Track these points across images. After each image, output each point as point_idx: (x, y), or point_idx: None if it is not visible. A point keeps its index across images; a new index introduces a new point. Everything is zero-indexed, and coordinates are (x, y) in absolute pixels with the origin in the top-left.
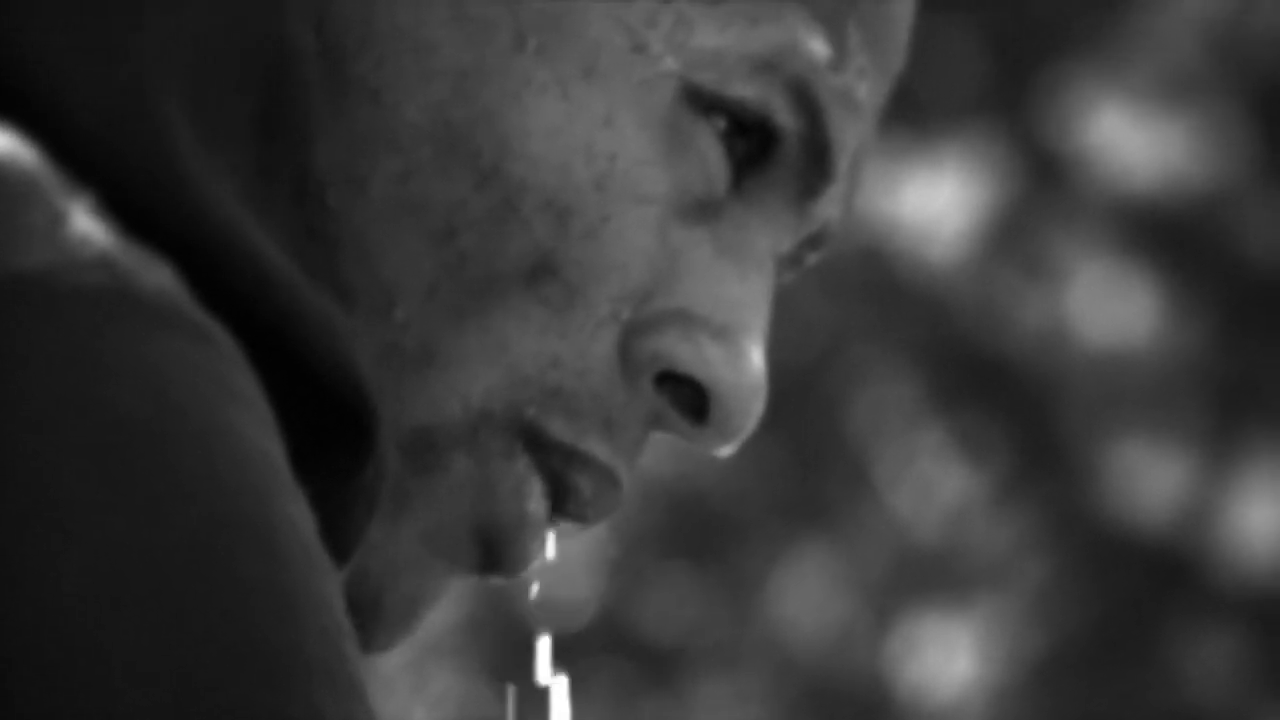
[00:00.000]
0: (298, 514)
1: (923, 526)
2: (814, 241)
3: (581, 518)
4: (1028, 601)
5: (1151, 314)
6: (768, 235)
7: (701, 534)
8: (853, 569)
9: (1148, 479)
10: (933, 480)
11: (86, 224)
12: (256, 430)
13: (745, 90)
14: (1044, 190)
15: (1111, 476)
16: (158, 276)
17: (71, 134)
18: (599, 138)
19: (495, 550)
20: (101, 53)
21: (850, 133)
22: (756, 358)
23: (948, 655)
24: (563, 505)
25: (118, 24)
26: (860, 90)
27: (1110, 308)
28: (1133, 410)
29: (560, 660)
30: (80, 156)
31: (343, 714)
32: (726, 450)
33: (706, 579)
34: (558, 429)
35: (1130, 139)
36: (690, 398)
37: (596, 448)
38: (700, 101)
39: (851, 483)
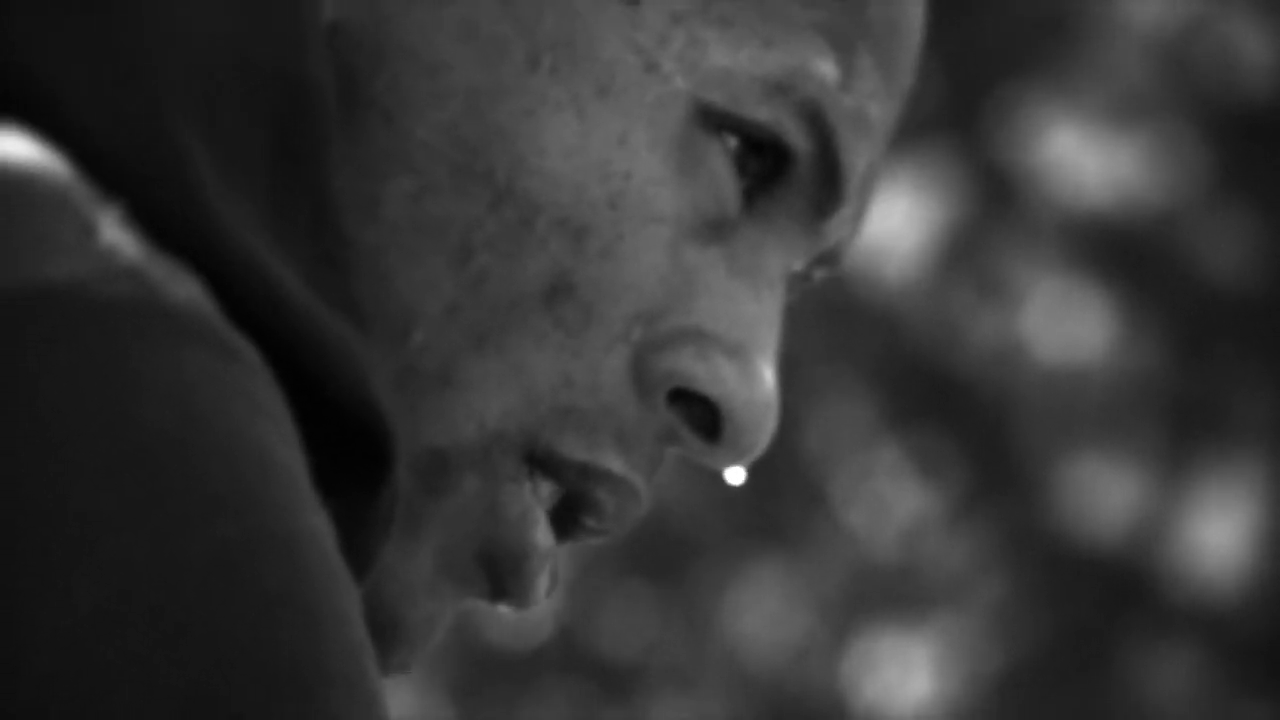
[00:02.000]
0: (321, 529)
1: (879, 544)
2: (825, 260)
3: (604, 532)
4: (984, 618)
5: (1105, 332)
6: (780, 255)
7: (658, 552)
8: (809, 586)
9: (1103, 495)
10: (888, 498)
11: (116, 235)
12: (281, 445)
13: (758, 112)
14: (998, 209)
15: (1067, 493)
16: (186, 289)
17: (90, 153)
18: (614, 156)
19: (501, 577)
20: (119, 74)
21: (861, 154)
22: (769, 376)
23: (904, 672)
24: (583, 522)
25: (136, 46)
26: (871, 111)
27: (1064, 326)
28: (1087, 427)
29: (519, 678)
30: (99, 176)
31: None
32: (738, 468)
33: (663, 597)
34: (570, 446)
35: (1083, 158)
36: (703, 416)
37: (612, 462)
38: (712, 121)
39: (808, 501)
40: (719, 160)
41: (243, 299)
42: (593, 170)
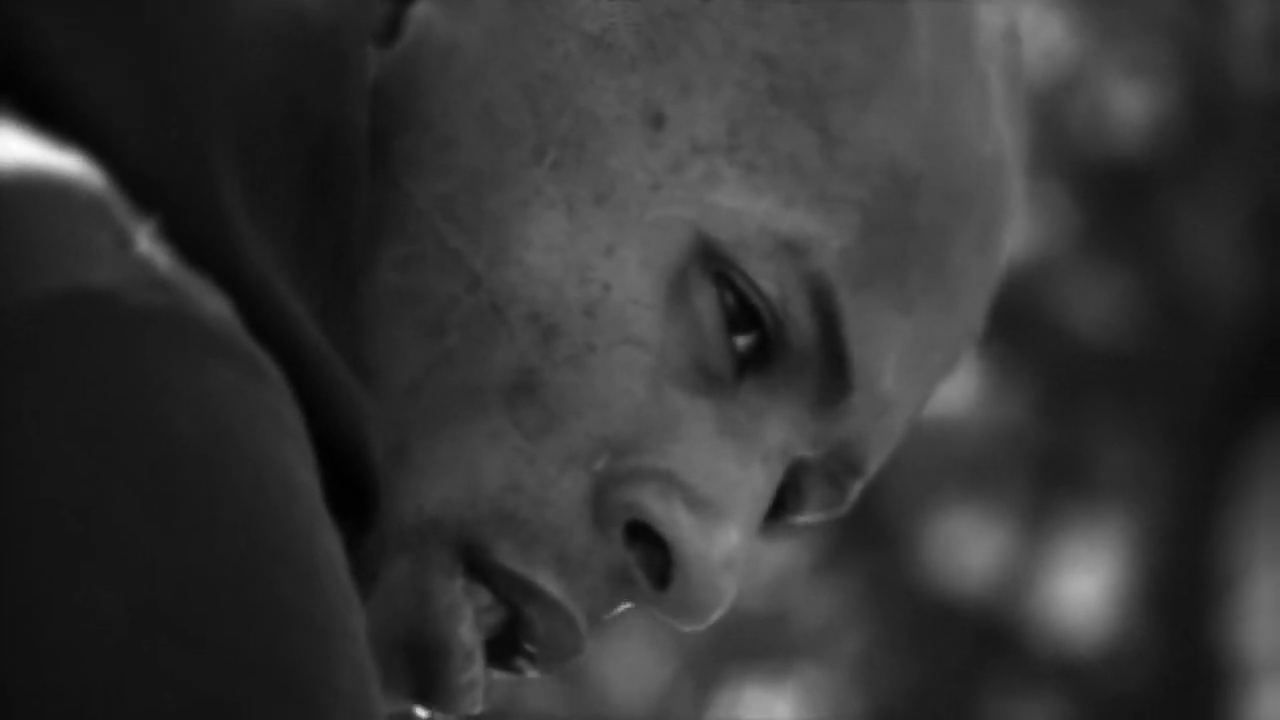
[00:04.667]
0: (335, 551)
1: (745, 594)
2: (848, 465)
3: (537, 658)
4: (848, 668)
5: (972, 385)
6: (781, 430)
7: None
8: (675, 635)
9: (968, 548)
10: (755, 548)
11: (150, 247)
12: (302, 466)
13: (762, 267)
14: None
15: (932, 545)
16: (216, 305)
17: (127, 170)
18: (597, 264)
19: (423, 674)
20: (162, 97)
21: (878, 353)
22: (733, 539)
23: (766, 715)
24: (518, 644)
25: (183, 71)
26: (898, 314)
27: None
28: (953, 480)
29: None
30: (133, 192)
31: None
32: (691, 627)
33: None
34: (505, 553)
35: None
36: (660, 564)
37: (547, 581)
38: (712, 265)
39: None
40: (707, 304)
41: (257, 329)
42: (572, 272)
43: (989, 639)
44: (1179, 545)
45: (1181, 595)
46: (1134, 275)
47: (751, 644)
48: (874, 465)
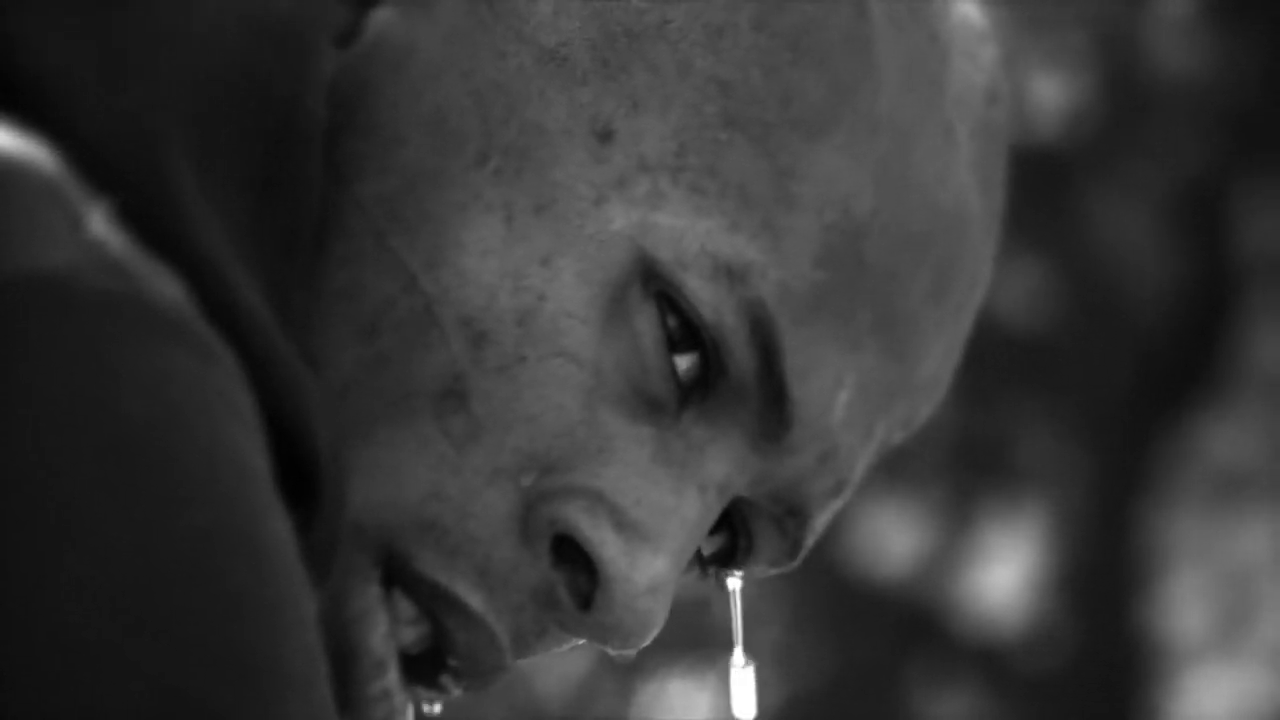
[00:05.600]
0: (286, 535)
1: None
2: (793, 511)
3: (460, 674)
4: (769, 656)
5: None
6: (723, 464)
7: None
8: None
9: (888, 535)
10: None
11: (103, 230)
12: (253, 451)
13: (701, 289)
14: None
15: (852, 533)
16: (170, 288)
17: (79, 151)
18: (531, 272)
19: (336, 679)
20: (115, 76)
21: (822, 392)
22: (660, 566)
23: (691, 706)
24: (443, 660)
25: (138, 51)
26: (843, 354)
27: None
28: (875, 468)
29: None
30: (85, 173)
31: None
32: (616, 650)
33: None
34: (426, 562)
35: None
36: (585, 587)
37: (468, 594)
38: (653, 286)
39: None
40: (647, 323)
41: (210, 312)
42: (507, 278)
43: (910, 626)
44: (1099, 532)
45: (1102, 582)
46: (1053, 262)
47: (673, 632)
48: (821, 515)
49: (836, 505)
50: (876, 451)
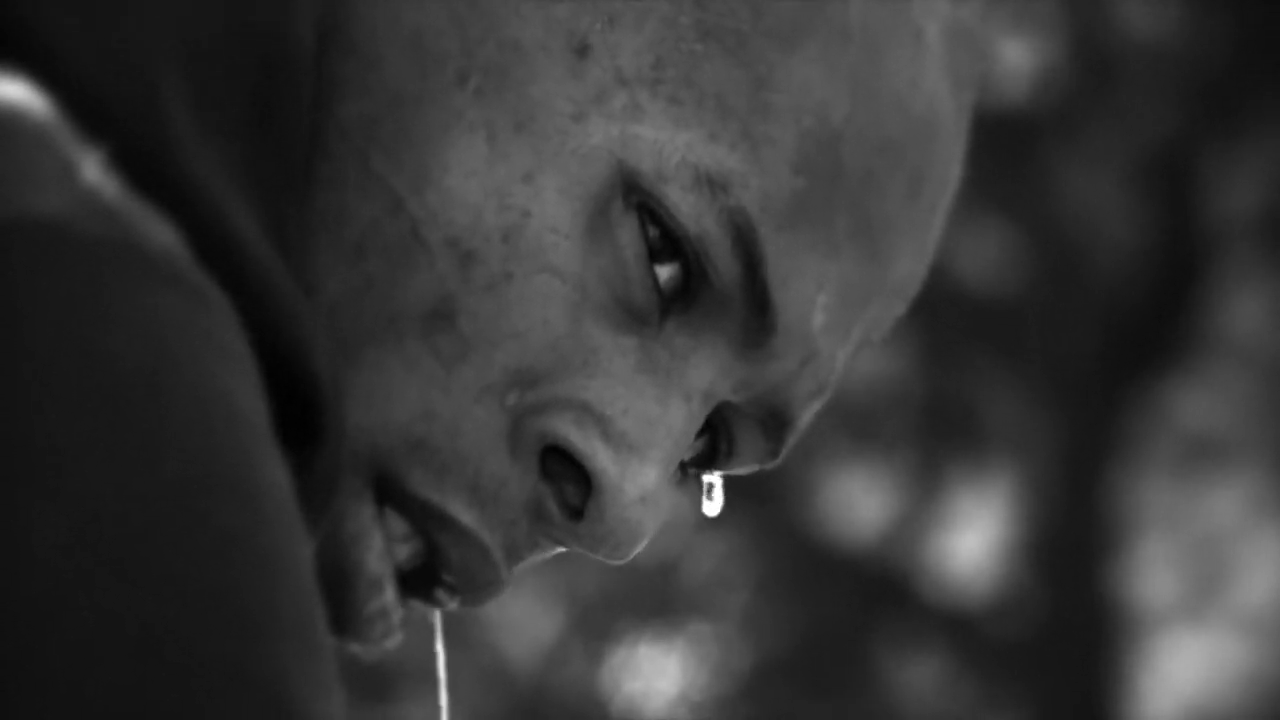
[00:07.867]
0: (280, 479)
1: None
2: (775, 414)
3: (456, 589)
4: (737, 620)
5: None
6: (706, 371)
7: None
8: (565, 588)
9: (856, 500)
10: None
11: (97, 175)
12: (247, 395)
13: (682, 199)
14: None
15: (820, 497)
16: (162, 234)
17: (73, 96)
18: (516, 190)
19: (330, 600)
20: (105, 20)
21: (804, 298)
22: (650, 475)
23: (659, 670)
24: (438, 575)
25: None
26: (825, 259)
27: None
28: (841, 432)
29: None
30: (80, 119)
31: (307, 675)
32: (609, 559)
33: None
34: (417, 481)
35: None
36: (575, 498)
37: (460, 511)
38: (634, 197)
39: None
40: (629, 235)
41: (202, 247)
42: (491, 197)
43: (878, 590)
44: (1068, 497)
45: (1070, 547)
46: (1021, 226)
47: (642, 596)
48: (803, 416)
49: (817, 405)
50: (854, 352)
